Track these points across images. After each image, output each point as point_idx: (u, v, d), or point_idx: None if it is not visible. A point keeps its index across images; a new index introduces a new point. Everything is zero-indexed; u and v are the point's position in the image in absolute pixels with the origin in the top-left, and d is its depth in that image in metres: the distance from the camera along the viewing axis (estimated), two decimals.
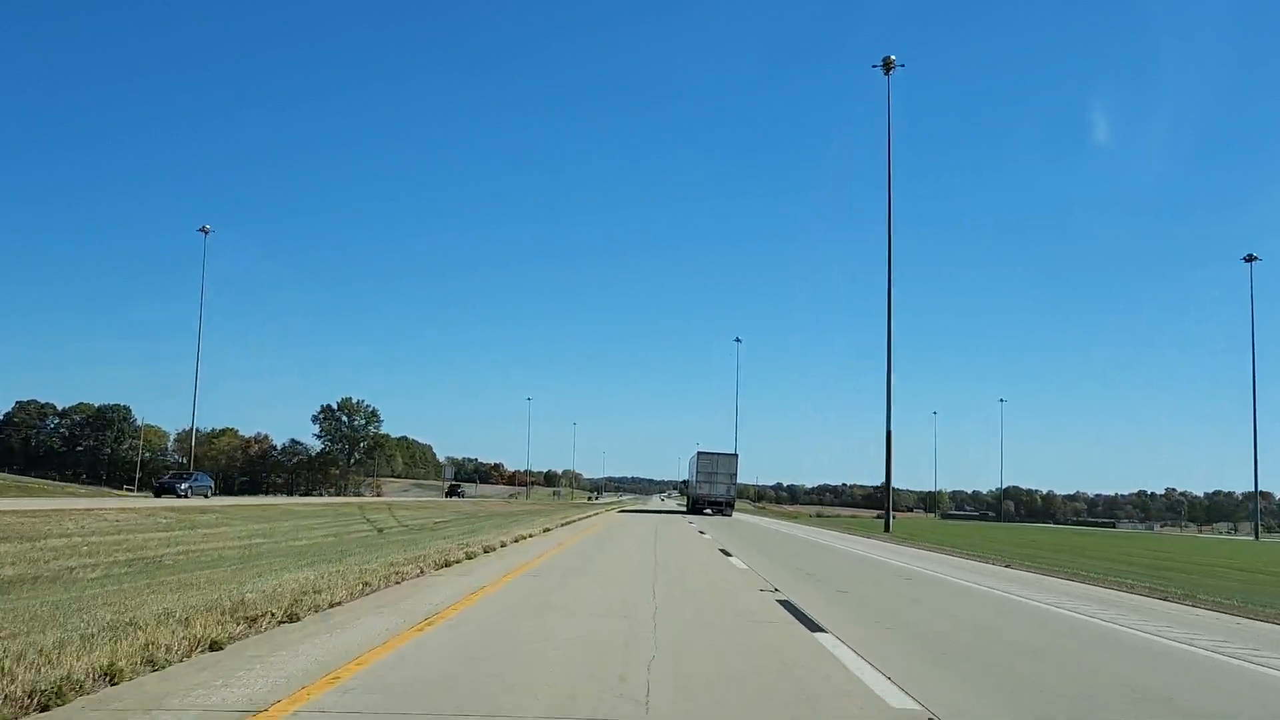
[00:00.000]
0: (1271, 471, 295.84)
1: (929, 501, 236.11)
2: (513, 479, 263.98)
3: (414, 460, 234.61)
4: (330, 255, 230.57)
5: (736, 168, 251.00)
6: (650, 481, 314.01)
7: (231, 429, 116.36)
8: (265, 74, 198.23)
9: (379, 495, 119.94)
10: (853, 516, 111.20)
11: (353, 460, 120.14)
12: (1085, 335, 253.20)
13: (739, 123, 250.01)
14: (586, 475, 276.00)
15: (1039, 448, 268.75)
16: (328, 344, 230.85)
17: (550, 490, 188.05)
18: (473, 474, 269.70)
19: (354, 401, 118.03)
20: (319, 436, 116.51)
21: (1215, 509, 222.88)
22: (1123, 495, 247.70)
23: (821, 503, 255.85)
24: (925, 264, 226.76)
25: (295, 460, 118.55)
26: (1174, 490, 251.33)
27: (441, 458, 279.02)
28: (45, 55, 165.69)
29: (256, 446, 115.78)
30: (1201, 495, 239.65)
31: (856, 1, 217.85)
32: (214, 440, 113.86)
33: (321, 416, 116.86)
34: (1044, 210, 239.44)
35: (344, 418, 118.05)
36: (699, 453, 51.10)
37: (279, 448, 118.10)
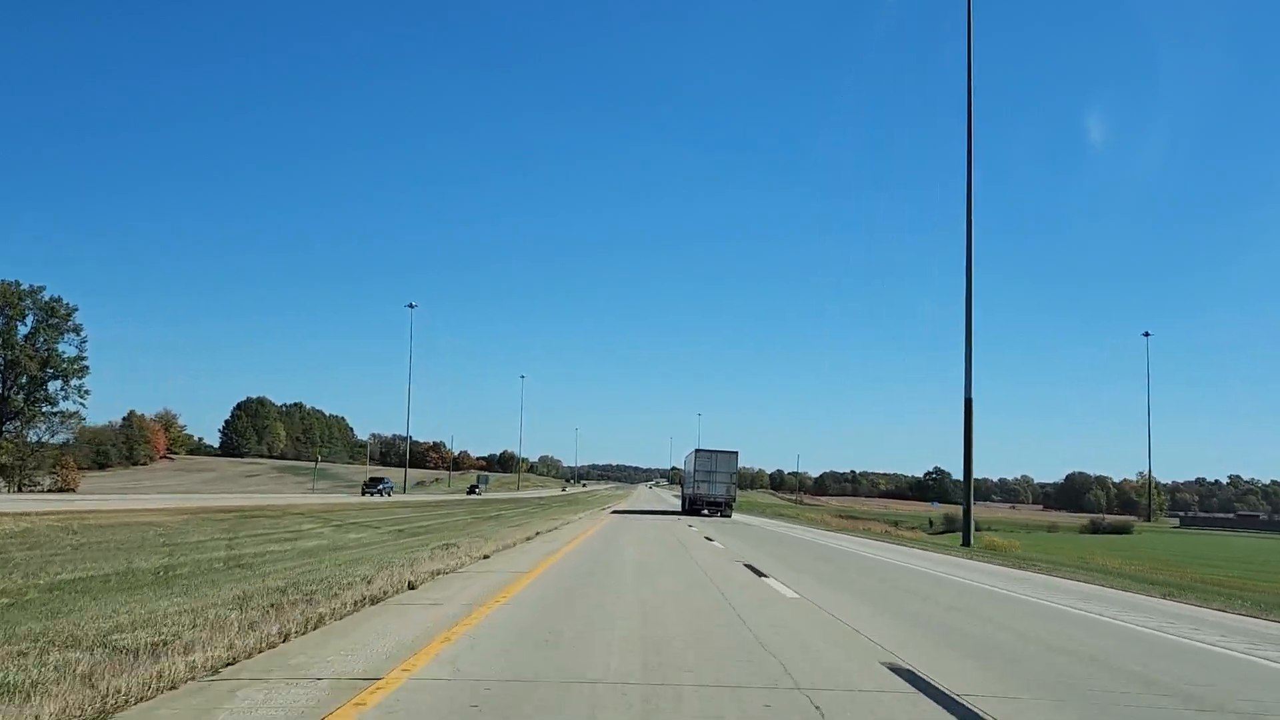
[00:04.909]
0: None
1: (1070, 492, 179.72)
2: (456, 462, 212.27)
3: (308, 436, 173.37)
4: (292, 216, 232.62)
5: (729, 167, 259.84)
6: (635, 469, 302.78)
7: None
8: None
9: (69, 489, 59.09)
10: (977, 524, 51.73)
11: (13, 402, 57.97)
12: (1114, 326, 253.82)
13: (733, 121, 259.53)
14: (566, 463, 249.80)
15: (1072, 434, 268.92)
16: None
17: (476, 477, 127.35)
18: (405, 454, 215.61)
19: (12, 287, 56.03)
20: None
21: None
22: (1180, 482, 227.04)
23: (842, 494, 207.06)
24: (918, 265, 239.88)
25: None
26: (1239, 477, 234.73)
27: (366, 435, 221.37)
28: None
29: None
30: (1268, 483, 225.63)
31: (853, 6, 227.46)
32: None
33: None
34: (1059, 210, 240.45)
35: None
36: (697, 450, 44.98)
37: None
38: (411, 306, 78.16)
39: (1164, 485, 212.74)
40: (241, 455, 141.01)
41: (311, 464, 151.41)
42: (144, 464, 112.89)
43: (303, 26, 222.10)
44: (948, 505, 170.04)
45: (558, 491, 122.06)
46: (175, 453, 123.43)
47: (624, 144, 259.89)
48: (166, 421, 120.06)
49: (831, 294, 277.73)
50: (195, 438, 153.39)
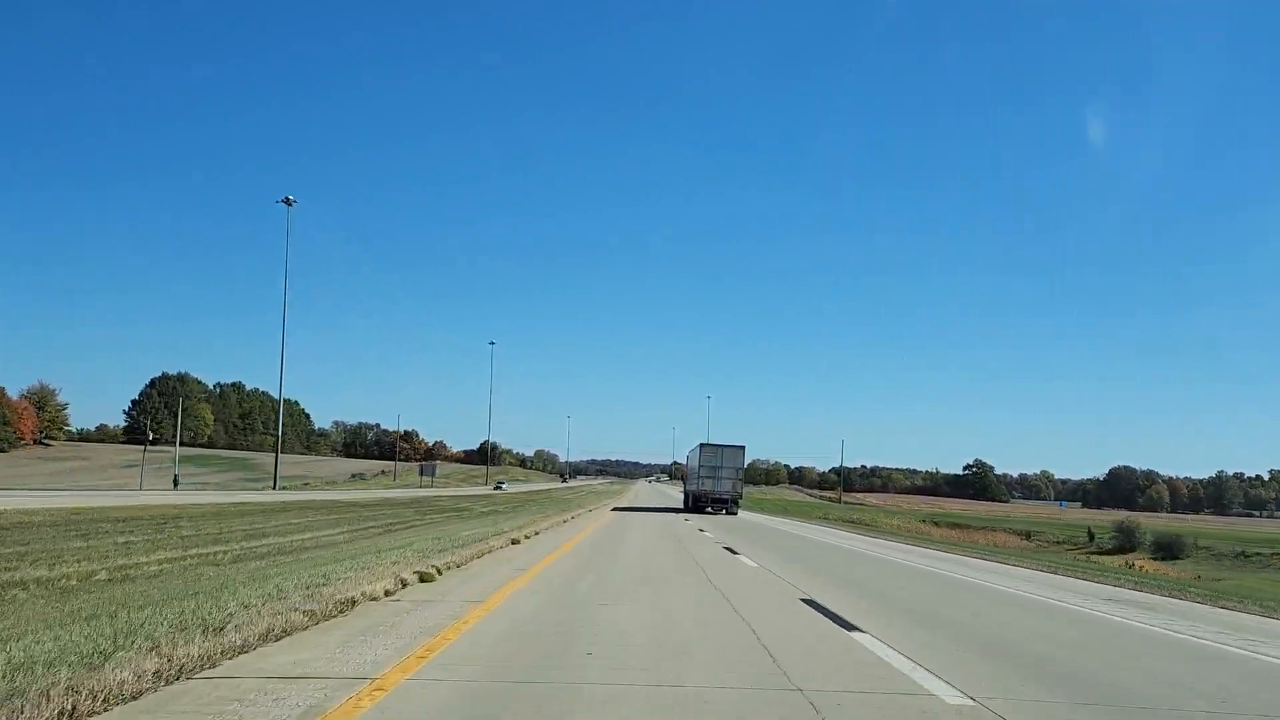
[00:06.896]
0: None
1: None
2: (429, 453, 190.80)
3: (247, 421, 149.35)
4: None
5: (729, 167, 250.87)
6: (636, 464, 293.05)
7: None
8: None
9: None
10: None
11: None
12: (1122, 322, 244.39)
13: (733, 121, 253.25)
14: (563, 458, 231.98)
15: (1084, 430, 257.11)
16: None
17: (420, 471, 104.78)
18: (371, 445, 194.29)
19: None
20: None
21: None
22: (1192, 478, 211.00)
23: (870, 490, 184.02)
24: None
25: None
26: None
27: (327, 423, 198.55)
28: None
29: None
30: None
31: (853, 6, 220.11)
32: None
33: None
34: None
35: None
36: (701, 445, 44.44)
37: None
38: (288, 202, 55.53)
39: (1231, 479, 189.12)
40: (154, 442, 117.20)
41: (247, 453, 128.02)
42: (2, 450, 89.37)
43: (303, 26, 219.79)
44: (992, 503, 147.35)
45: (489, 491, 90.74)
46: (53, 437, 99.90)
47: (624, 144, 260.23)
48: (40, 399, 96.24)
49: (830, 293, 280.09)
50: (114, 425, 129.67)
